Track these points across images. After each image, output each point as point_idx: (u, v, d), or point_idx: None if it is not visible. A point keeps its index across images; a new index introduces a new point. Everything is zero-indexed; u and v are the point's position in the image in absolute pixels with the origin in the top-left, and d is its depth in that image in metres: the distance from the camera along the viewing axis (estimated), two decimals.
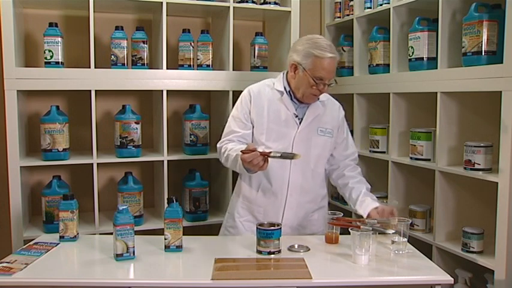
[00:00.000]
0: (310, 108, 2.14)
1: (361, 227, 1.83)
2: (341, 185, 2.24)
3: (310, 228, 2.20)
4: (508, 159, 1.88)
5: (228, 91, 2.70)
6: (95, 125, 2.52)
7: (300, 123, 2.11)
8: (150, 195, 2.96)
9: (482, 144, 2.05)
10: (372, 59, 2.76)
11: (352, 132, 2.98)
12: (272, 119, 2.11)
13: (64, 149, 2.49)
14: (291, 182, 2.11)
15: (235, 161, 2.00)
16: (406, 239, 1.89)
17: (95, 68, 2.48)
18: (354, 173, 2.24)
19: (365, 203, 2.08)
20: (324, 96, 2.18)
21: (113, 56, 2.57)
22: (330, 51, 2.01)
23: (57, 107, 2.51)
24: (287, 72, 2.16)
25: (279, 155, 1.89)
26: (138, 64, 2.61)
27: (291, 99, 2.13)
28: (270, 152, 1.89)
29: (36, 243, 1.98)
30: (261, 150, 1.89)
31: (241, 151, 1.91)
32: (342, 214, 2.02)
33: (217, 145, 2.19)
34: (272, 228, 1.83)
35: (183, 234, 1.89)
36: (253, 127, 2.14)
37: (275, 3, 2.83)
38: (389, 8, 2.56)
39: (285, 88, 2.13)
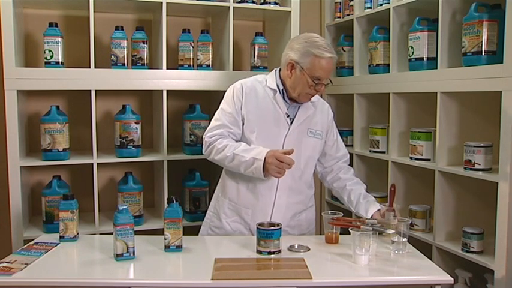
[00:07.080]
0: (301, 109, 2.10)
1: (361, 227, 1.83)
2: (337, 188, 2.22)
3: (299, 228, 2.17)
4: (508, 159, 1.87)
5: None
6: (95, 125, 2.52)
7: (291, 123, 2.08)
8: (150, 195, 2.96)
9: (482, 144, 2.05)
10: (372, 59, 2.75)
11: (352, 132, 2.99)
12: (263, 117, 2.06)
13: (64, 149, 2.49)
14: (280, 183, 2.07)
15: (248, 164, 1.94)
16: (406, 239, 1.89)
17: (95, 68, 2.48)
18: (349, 175, 2.23)
19: (366, 205, 2.08)
20: (314, 97, 2.14)
21: (112, 56, 2.57)
22: (329, 51, 1.98)
23: (57, 107, 2.52)
24: (279, 70, 2.12)
25: None
26: (138, 64, 2.61)
27: (283, 98, 2.09)
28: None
29: (36, 243, 1.97)
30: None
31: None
32: (342, 214, 2.02)
33: (206, 138, 2.07)
34: (272, 228, 1.83)
35: (183, 234, 1.89)
36: (243, 124, 2.07)
37: (275, 3, 2.83)
38: (389, 8, 2.55)
39: (277, 86, 2.09)
